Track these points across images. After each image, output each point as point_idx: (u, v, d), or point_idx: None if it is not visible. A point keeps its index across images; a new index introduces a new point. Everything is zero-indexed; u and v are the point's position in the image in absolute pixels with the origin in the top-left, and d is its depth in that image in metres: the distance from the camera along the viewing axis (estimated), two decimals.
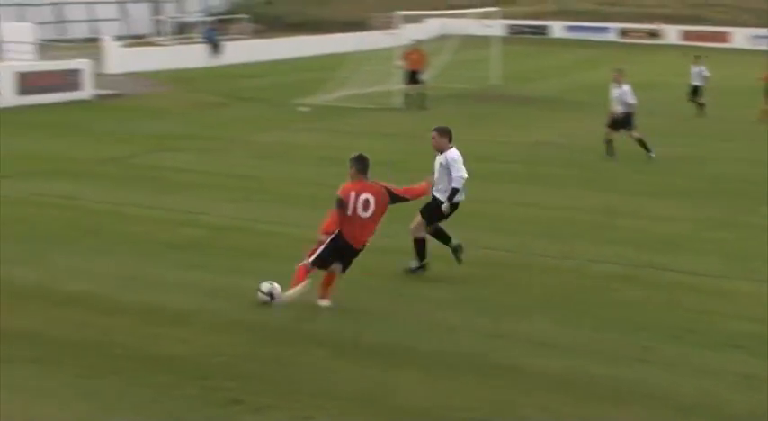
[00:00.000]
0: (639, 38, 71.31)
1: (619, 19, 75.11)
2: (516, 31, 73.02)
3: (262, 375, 10.09)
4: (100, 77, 38.56)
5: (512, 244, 15.61)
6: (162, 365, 10.23)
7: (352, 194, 12.22)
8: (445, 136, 13.99)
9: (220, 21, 66.68)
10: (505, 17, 66.09)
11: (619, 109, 24.21)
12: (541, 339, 11.32)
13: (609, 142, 24.38)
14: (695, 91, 33.64)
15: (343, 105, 34.05)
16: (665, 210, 18.49)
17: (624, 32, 72.43)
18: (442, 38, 50.47)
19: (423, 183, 13.25)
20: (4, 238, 15.33)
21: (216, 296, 12.48)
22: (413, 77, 34.36)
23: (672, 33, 70.22)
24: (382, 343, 11.06)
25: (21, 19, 60.02)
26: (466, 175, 13.79)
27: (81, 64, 35.84)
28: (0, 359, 10.29)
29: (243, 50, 53.31)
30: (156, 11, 72.99)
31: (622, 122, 24.21)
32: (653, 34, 71.24)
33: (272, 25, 75.10)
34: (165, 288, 12.88)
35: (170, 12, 71.31)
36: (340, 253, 12.15)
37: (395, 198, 12.51)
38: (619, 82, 24.36)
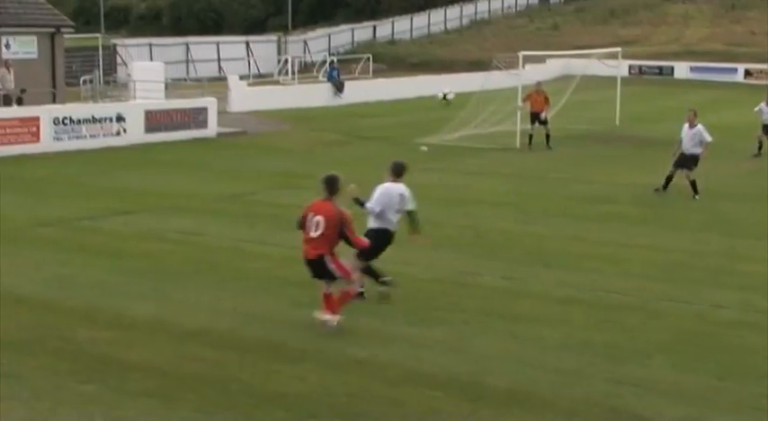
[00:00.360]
0: (766, 79, 69.92)
1: (744, 59, 73.88)
2: (639, 72, 72.38)
3: (376, 416, 10.02)
4: (224, 115, 39.28)
5: (630, 287, 15.30)
6: (277, 403, 10.24)
7: (310, 214, 12.59)
8: (388, 171, 14.25)
9: (343, 61, 67.46)
10: (628, 57, 65.54)
11: (692, 149, 24.76)
12: (661, 385, 11.02)
13: (669, 179, 24.89)
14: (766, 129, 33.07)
15: (464, 145, 34.01)
16: None
17: (748, 73, 71.13)
18: (564, 78, 50.16)
19: (363, 241, 13.06)
20: (127, 272, 15.60)
21: (331, 334, 12.48)
22: (536, 118, 34.25)
23: None
24: (499, 387, 10.89)
25: (151, 58, 61.70)
26: (377, 209, 13.93)
27: (206, 102, 36.52)
28: (119, 392, 10.43)
29: (365, 89, 53.81)
30: (281, 50, 74.19)
31: (689, 162, 24.68)
32: None
33: (393, 65, 75.73)
34: (282, 325, 12.93)
35: (294, 52, 72.40)
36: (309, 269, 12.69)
37: (343, 234, 12.61)
38: (691, 122, 25.03)
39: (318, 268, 12.63)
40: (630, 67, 70.78)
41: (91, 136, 32.07)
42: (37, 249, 17.25)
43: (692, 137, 24.74)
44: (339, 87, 51.85)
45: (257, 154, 31.56)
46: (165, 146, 32.84)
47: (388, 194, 14.07)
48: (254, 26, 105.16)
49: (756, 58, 73.95)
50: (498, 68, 38.40)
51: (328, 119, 42.87)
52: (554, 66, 64.60)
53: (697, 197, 24.25)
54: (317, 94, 50.22)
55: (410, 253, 17.38)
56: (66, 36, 42.75)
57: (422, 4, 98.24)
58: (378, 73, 67.48)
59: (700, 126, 24.73)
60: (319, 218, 12.51)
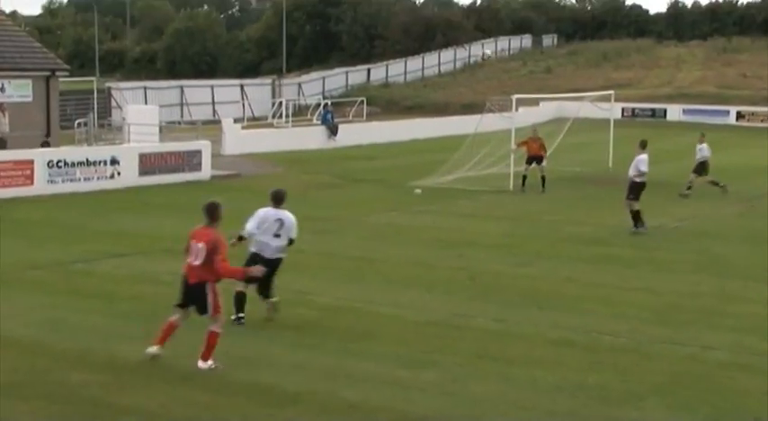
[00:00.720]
0: (758, 121, 70.29)
1: (736, 102, 74.30)
2: (632, 114, 72.69)
3: None
4: (218, 158, 39.35)
5: (623, 329, 15.31)
6: None
7: (192, 242, 12.64)
8: (269, 198, 15.04)
9: (337, 104, 67.74)
10: (621, 100, 65.79)
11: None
12: None
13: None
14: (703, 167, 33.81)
15: (457, 187, 34.10)
16: None
17: (740, 115, 71.46)
18: (557, 120, 50.37)
19: (230, 270, 12.97)
20: (119, 315, 15.58)
21: (326, 377, 12.46)
22: (532, 159, 34.55)
23: None
24: None
25: (146, 102, 61.91)
26: (253, 232, 14.79)
27: (200, 145, 36.61)
28: None
29: (359, 132, 54.00)
30: (275, 93, 74.48)
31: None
32: None
33: (387, 108, 76.01)
34: (277, 368, 12.91)
35: (288, 95, 72.70)
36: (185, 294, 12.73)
37: (209, 260, 12.52)
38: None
39: (195, 295, 12.61)
40: (623, 110, 71.07)
41: (85, 179, 32.09)
42: (29, 292, 17.22)
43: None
44: (333, 130, 52.01)
45: (251, 197, 31.51)
46: (159, 189, 32.88)
47: (264, 218, 14.80)
48: (249, 70, 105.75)
49: (748, 100, 74.38)
50: (492, 111, 38.59)
51: (322, 162, 42.98)
52: (547, 108, 64.89)
53: (641, 229, 24.87)
54: (310, 137, 50.37)
55: (402, 295, 17.40)
56: (60, 79, 42.94)
57: (416, 48, 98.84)
58: (372, 116, 67.76)
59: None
60: (201, 245, 12.53)
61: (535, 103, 60.90)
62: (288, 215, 14.89)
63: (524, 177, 34.25)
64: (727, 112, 71.83)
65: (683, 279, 19.48)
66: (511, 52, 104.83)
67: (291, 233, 14.88)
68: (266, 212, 14.85)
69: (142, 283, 18.17)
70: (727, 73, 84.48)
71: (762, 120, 70.50)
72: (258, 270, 13.75)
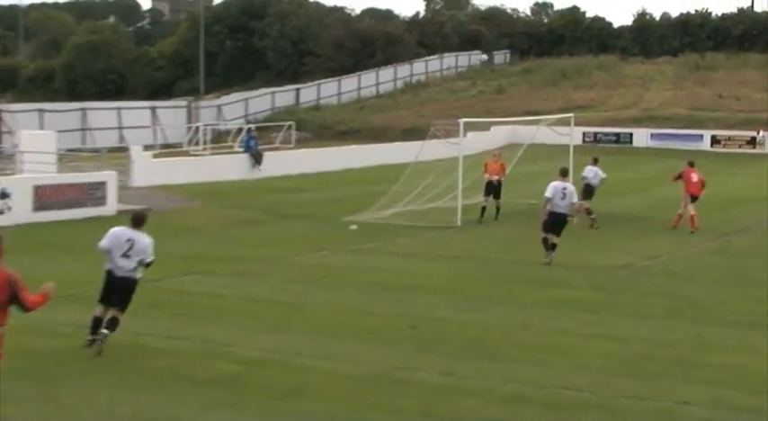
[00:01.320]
0: (735, 146, 71.31)
1: (710, 125, 75.34)
2: (594, 140, 73.45)
3: None
4: (126, 191, 39.06)
5: (585, 382, 15.34)
6: None
7: None
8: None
9: (262, 128, 67.69)
10: (582, 123, 66.40)
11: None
12: None
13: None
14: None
15: (398, 223, 34.16)
16: None
17: (716, 140, 72.43)
18: (510, 147, 50.70)
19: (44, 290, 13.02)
20: (11, 374, 15.30)
21: None
22: (491, 189, 35.67)
23: None
24: None
25: (42, 126, 61.38)
26: (106, 249, 16.47)
27: (105, 176, 36.31)
28: None
29: (286, 161, 54.03)
30: (192, 117, 74.27)
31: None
32: (753, 142, 71.22)
33: (319, 133, 76.21)
34: None
35: (206, 118, 72.55)
36: None
37: (16, 298, 12.56)
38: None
39: None
40: (584, 135, 71.87)
41: None
42: None
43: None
44: (257, 158, 51.95)
45: (163, 234, 31.25)
46: (57, 226, 32.53)
47: (114, 237, 16.50)
48: (161, 90, 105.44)
49: (724, 123, 75.50)
50: (436, 137, 38.75)
51: (245, 194, 42.86)
52: (499, 133, 65.38)
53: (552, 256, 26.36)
54: (232, 167, 50.25)
55: (336, 346, 17.31)
56: None
57: (351, 66, 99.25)
58: (301, 142, 67.86)
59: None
60: None
61: (486, 127, 61.29)
62: (142, 237, 16.50)
63: (483, 208, 34.93)
64: (701, 137, 72.85)
65: (654, 325, 19.58)
66: (458, 70, 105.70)
67: (143, 255, 16.48)
68: (119, 231, 16.55)
69: (37, 336, 17.89)
70: (700, 93, 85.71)
71: (740, 146, 71.60)
72: (49, 287, 13.45)
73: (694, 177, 35.13)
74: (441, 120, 44.96)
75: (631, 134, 75.27)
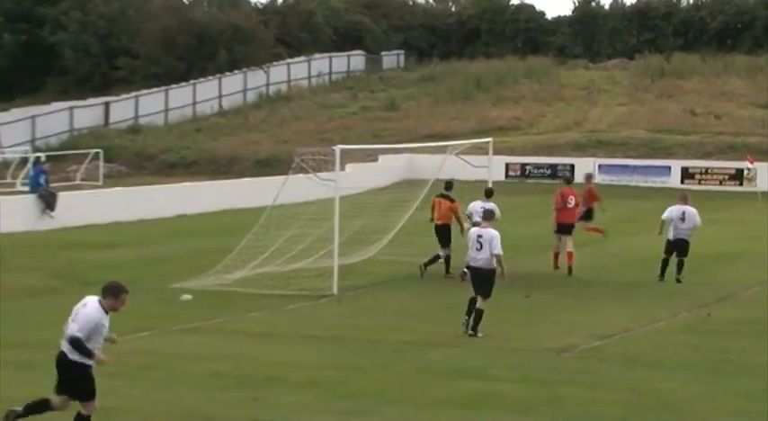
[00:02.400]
0: (715, 182, 72.11)
1: (680, 153, 76.23)
2: (521, 174, 73.99)
3: None
4: None
5: None
6: None
7: None
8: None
9: (55, 158, 67.05)
10: (504, 151, 66.92)
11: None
12: None
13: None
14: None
15: (249, 291, 33.99)
16: None
17: (687, 174, 73.13)
18: (406, 185, 50.88)
19: None
20: None
21: None
22: (442, 235, 37.18)
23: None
24: None
25: None
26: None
27: None
28: None
29: (91, 205, 53.54)
30: None
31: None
32: (739, 176, 72.01)
33: (137, 165, 75.82)
34: None
35: None
36: None
37: None
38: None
39: None
40: (508, 167, 72.61)
41: None
42: None
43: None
44: (49, 201, 51.37)
45: None
46: None
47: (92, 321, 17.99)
48: None
49: (698, 151, 76.58)
50: (303, 171, 38.68)
51: (31, 251, 42.40)
52: (391, 165, 65.66)
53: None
54: (12, 213, 49.60)
55: None
56: None
57: (183, 71, 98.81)
58: (113, 178, 67.42)
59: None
60: None
61: (372, 156, 61.54)
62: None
63: (447, 257, 36.98)
64: (668, 169, 73.76)
65: None
66: (333, 77, 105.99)
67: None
68: (98, 315, 17.96)
69: None
70: (665, 109, 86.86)
71: (721, 182, 72.32)
72: None
73: (570, 201, 36.46)
74: (309, 148, 45.00)
75: (572, 166, 75.74)
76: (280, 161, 63.17)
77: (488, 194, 37.53)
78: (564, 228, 38.13)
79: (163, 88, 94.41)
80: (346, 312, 31.64)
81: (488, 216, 28.30)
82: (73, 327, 17.87)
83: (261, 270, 36.12)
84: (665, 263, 36.43)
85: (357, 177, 49.51)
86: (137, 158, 78.50)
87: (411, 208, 40.97)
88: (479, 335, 27.38)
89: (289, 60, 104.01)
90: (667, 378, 23.93)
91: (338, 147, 36.69)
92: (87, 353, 17.60)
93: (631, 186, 71.70)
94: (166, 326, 29.11)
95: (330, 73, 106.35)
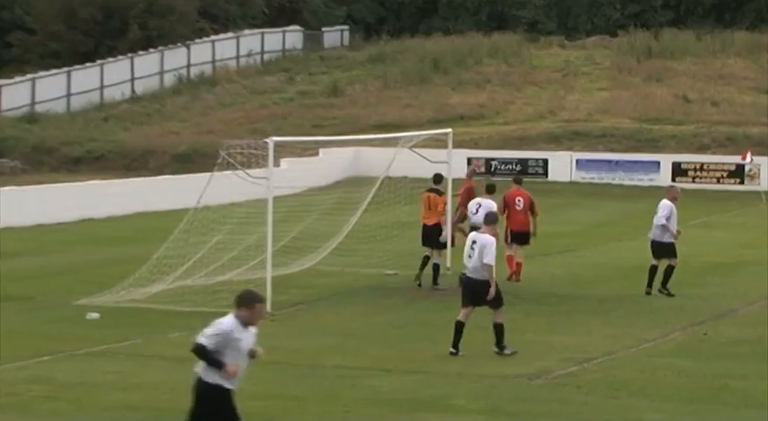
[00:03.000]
0: (712, 180, 72.34)
1: (671, 146, 76.37)
2: (487, 170, 74.02)
3: None
4: None
5: None
6: None
7: None
8: None
9: None
10: (466, 144, 67.05)
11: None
12: None
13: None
14: None
15: (168, 308, 33.99)
16: None
17: (680, 170, 73.27)
18: (352, 182, 50.99)
19: None
20: None
21: None
22: (430, 237, 37.84)
23: None
24: None
25: None
26: None
27: None
28: None
29: None
30: None
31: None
32: (739, 173, 72.25)
33: (35, 161, 75.59)
34: None
35: None
36: None
37: None
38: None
39: None
40: (472, 162, 72.52)
41: None
42: None
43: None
44: None
45: None
46: None
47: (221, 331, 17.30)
48: None
49: (692, 143, 76.74)
50: (231, 166, 38.72)
51: None
52: (333, 160, 65.70)
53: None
54: None
55: None
56: None
57: (89, 49, 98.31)
58: (5, 175, 67.23)
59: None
60: None
61: (312, 150, 61.59)
62: None
63: (429, 263, 37.21)
64: (656, 165, 73.96)
65: None
66: (265, 58, 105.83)
67: None
68: None
69: None
70: (654, 94, 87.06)
71: (719, 180, 72.46)
72: None
73: (519, 203, 36.82)
74: (238, 140, 45.07)
75: (545, 160, 76.01)
76: (203, 155, 63.22)
77: (489, 190, 37.78)
78: (517, 237, 38.54)
79: (64, 70, 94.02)
80: (282, 333, 31.64)
81: (489, 219, 28.57)
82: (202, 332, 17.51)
83: (182, 283, 36.14)
84: (652, 271, 36.49)
85: (294, 174, 49.55)
86: (34, 152, 78.27)
87: (358, 210, 41.04)
88: (507, 351, 27.84)
89: (214, 37, 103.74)
90: (656, 409, 24.08)
91: (272, 140, 36.75)
92: (215, 364, 17.18)
93: (614, 184, 71.92)
94: (70, 349, 29.06)
95: (262, 52, 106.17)
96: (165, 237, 37.44)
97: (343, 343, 30.35)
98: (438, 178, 38.63)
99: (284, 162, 48.98)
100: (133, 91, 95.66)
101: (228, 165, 38.49)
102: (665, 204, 36.84)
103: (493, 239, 27.64)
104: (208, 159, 45.00)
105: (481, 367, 27.35)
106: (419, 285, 37.52)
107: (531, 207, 38.96)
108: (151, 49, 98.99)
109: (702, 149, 75.53)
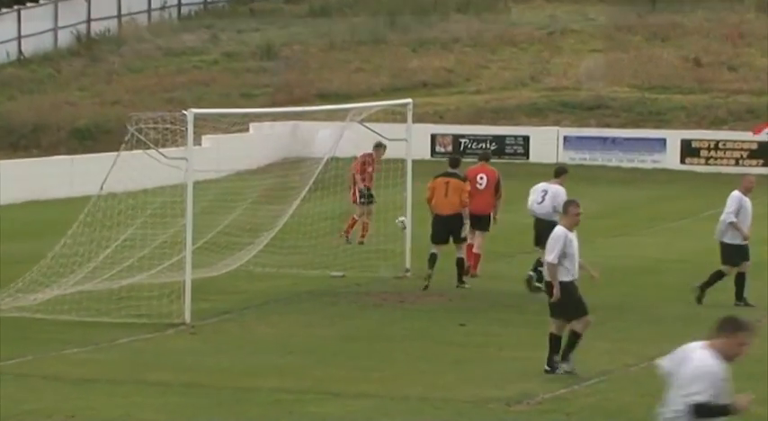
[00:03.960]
0: (730, 161, 72.61)
1: (679, 121, 76.62)
2: (456, 148, 74.20)
3: None
4: None
5: None
6: None
7: None
8: None
9: None
10: (431, 118, 67.22)
11: None
12: None
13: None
14: None
15: (65, 318, 34.03)
16: None
17: (690, 149, 73.45)
18: (292, 164, 51.10)
19: None
20: None
21: None
22: (443, 230, 38.36)
23: None
24: None
25: None
26: None
27: None
28: None
29: None
30: None
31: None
32: (763, 153, 72.58)
33: None
34: None
35: None
36: None
37: None
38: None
39: None
40: (435, 140, 72.81)
41: None
42: None
43: None
44: None
45: None
46: None
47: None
48: None
49: (705, 116, 76.96)
50: (142, 144, 38.77)
51: None
52: (267, 137, 65.90)
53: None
54: None
55: None
56: None
57: None
58: None
59: None
60: None
61: (240, 124, 61.67)
62: None
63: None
64: (662, 143, 74.24)
65: None
66: (183, 11, 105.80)
67: None
68: None
69: None
70: (658, 57, 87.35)
71: (737, 161, 72.64)
72: None
73: (481, 181, 37.14)
74: (150, 113, 45.15)
75: (526, 138, 76.22)
76: (107, 132, 63.38)
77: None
78: (476, 221, 38.47)
79: None
80: (204, 348, 31.75)
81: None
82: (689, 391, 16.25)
83: (81, 287, 36.16)
84: (736, 279, 37.38)
85: (219, 155, 49.71)
86: None
87: (297, 198, 41.15)
88: (566, 367, 28.39)
89: None
90: None
91: (191, 112, 36.84)
92: (721, 412, 16.52)
93: (611, 167, 72.14)
94: None
95: (179, 4, 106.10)
96: (62, 231, 37.47)
97: (280, 361, 30.43)
98: (455, 162, 38.90)
99: (207, 139, 49.16)
100: (20, 52, 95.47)
101: (138, 143, 38.53)
102: (735, 197, 37.70)
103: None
104: (113, 136, 45.09)
105: (448, 389, 27.49)
106: (425, 288, 37.76)
107: (496, 187, 39.21)
108: (42, 1, 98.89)
109: (717, 124, 75.78)
